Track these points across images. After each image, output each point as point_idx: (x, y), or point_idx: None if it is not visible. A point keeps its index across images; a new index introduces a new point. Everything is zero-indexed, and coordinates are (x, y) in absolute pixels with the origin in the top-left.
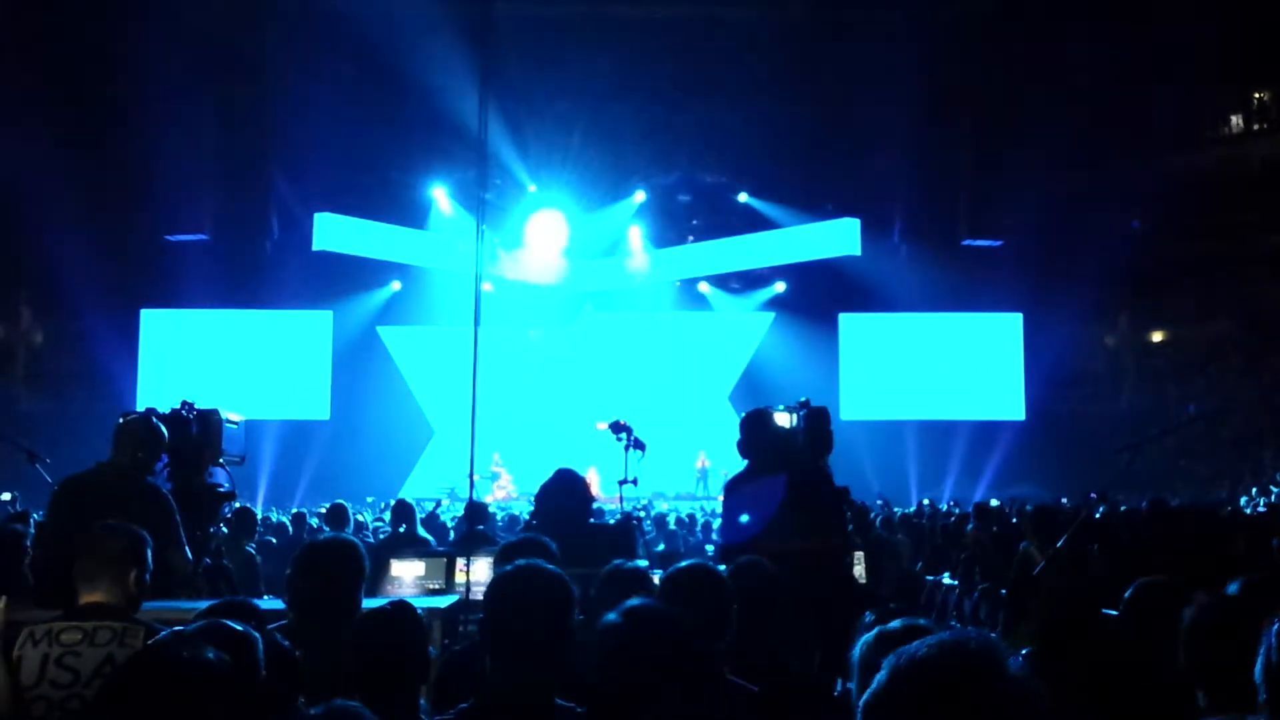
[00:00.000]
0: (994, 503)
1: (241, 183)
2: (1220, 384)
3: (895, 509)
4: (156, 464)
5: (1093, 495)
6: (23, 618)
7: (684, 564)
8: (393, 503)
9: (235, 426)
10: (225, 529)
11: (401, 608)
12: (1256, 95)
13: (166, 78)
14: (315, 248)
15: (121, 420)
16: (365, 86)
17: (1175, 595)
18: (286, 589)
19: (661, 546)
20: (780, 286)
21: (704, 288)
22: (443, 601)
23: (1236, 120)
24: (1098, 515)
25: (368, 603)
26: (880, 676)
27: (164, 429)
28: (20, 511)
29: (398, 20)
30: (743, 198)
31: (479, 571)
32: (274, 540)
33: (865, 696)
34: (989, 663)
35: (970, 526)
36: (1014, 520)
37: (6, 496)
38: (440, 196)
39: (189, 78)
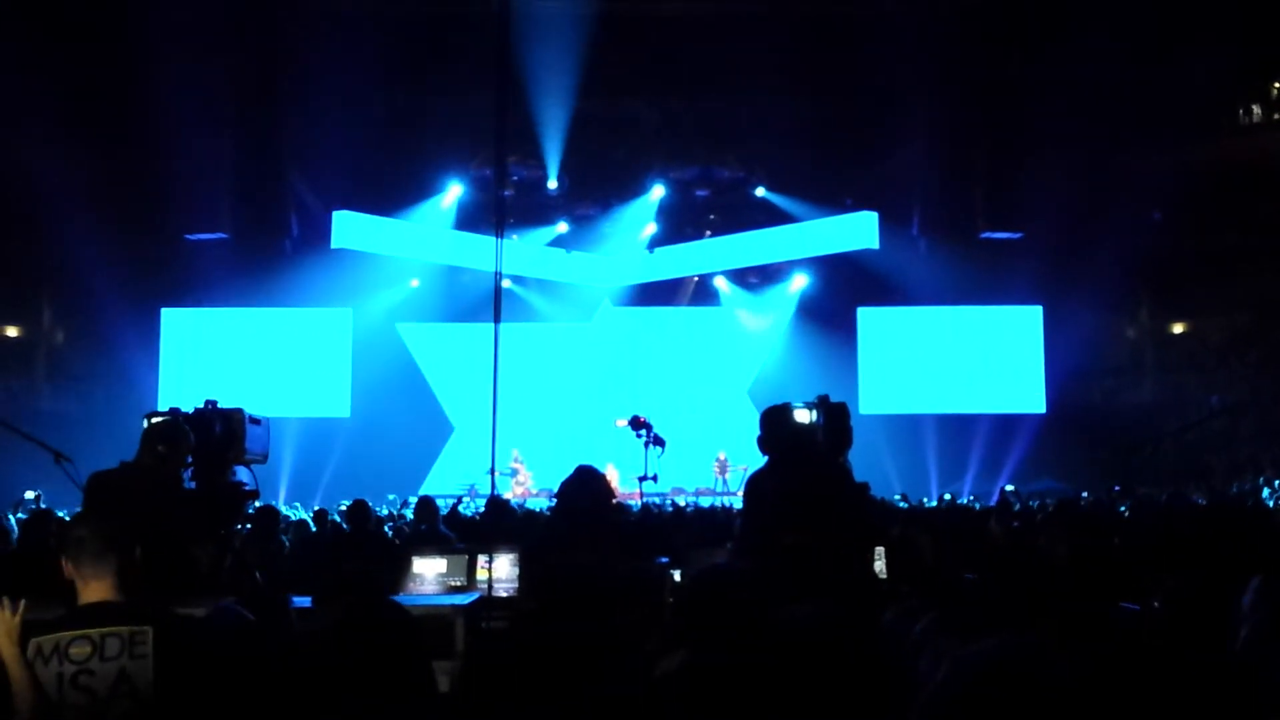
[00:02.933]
0: (1012, 495)
1: (260, 182)
2: (1242, 376)
3: (916, 502)
4: (183, 464)
5: (1116, 489)
6: (29, 618)
7: (710, 566)
8: (414, 500)
9: (258, 425)
10: (249, 527)
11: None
12: (1277, 85)
13: (184, 78)
14: (334, 245)
15: (147, 421)
16: (383, 84)
17: (1199, 590)
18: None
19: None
20: (801, 281)
21: (721, 284)
22: (464, 599)
23: (1258, 111)
24: (1122, 509)
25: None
26: (940, 675)
27: (189, 429)
28: (44, 509)
29: (414, 17)
30: (760, 192)
31: (500, 569)
32: (286, 540)
33: (926, 693)
34: (1039, 659)
35: (992, 521)
36: (1037, 515)
37: (31, 495)
38: (458, 194)
39: (207, 78)
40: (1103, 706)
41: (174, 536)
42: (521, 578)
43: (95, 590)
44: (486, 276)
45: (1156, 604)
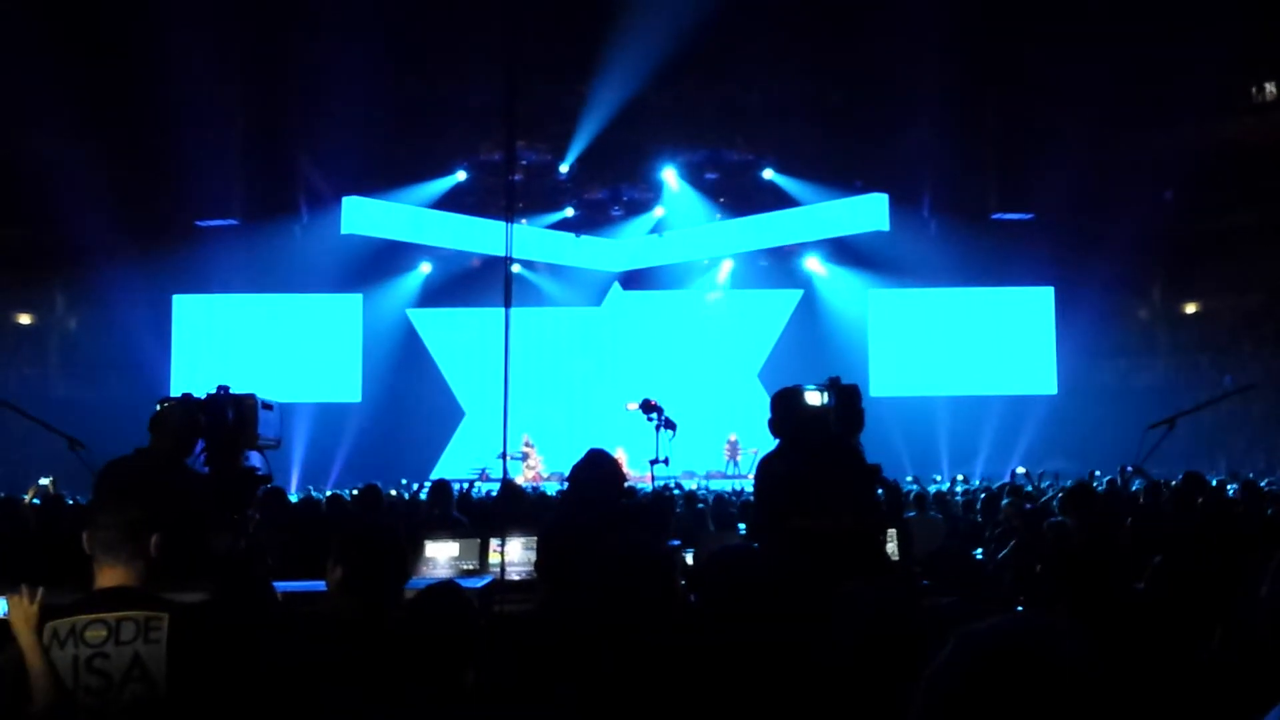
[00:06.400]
0: (1022, 476)
1: (270, 168)
2: (1254, 356)
3: (929, 488)
4: (195, 449)
5: (1129, 469)
6: (45, 602)
7: (727, 546)
8: (428, 484)
9: (271, 411)
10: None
11: (449, 590)
12: None
13: (195, 66)
14: (344, 231)
15: (159, 407)
16: (392, 69)
17: (1211, 571)
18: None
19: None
20: (813, 262)
21: (724, 270)
22: (477, 583)
23: (1270, 88)
24: (1135, 488)
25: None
26: (944, 654)
27: (201, 414)
28: (56, 495)
29: (424, 2)
30: (768, 174)
31: (513, 552)
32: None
33: (930, 672)
34: (1051, 639)
35: (1005, 502)
36: (1049, 496)
37: (45, 481)
38: (467, 179)
39: (216, 66)
40: (1113, 687)
41: (189, 522)
42: (538, 561)
43: (112, 576)
44: (496, 261)
45: (1166, 586)
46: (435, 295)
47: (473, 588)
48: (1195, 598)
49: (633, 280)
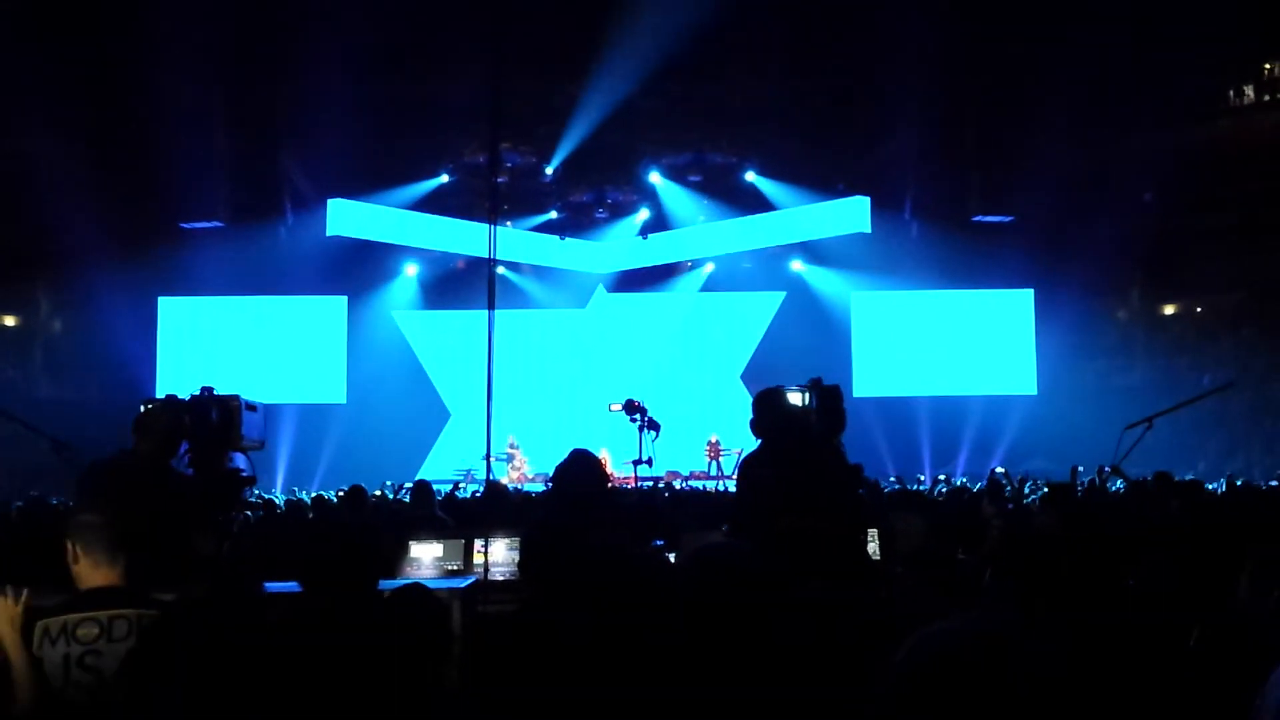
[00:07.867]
0: (1002, 476)
1: (255, 170)
2: (1234, 357)
3: (910, 486)
4: (178, 450)
5: (1107, 469)
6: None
7: (712, 544)
8: (409, 485)
9: (254, 412)
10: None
11: (415, 591)
12: (1267, 66)
13: (179, 66)
14: (329, 233)
15: (144, 408)
16: (378, 70)
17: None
18: (301, 568)
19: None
20: (796, 264)
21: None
22: (461, 583)
23: (1249, 91)
24: (1113, 489)
25: (386, 584)
26: (902, 656)
27: (185, 416)
28: (38, 497)
29: (409, 3)
30: (750, 177)
31: (497, 553)
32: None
33: (889, 674)
34: (1009, 640)
35: (985, 502)
36: (1029, 496)
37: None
38: (453, 180)
39: (201, 66)
40: (1073, 685)
41: (174, 523)
42: (522, 561)
43: (102, 576)
44: (481, 263)
45: (1141, 582)
46: (420, 297)
47: (456, 588)
48: (1177, 596)
49: (617, 282)
